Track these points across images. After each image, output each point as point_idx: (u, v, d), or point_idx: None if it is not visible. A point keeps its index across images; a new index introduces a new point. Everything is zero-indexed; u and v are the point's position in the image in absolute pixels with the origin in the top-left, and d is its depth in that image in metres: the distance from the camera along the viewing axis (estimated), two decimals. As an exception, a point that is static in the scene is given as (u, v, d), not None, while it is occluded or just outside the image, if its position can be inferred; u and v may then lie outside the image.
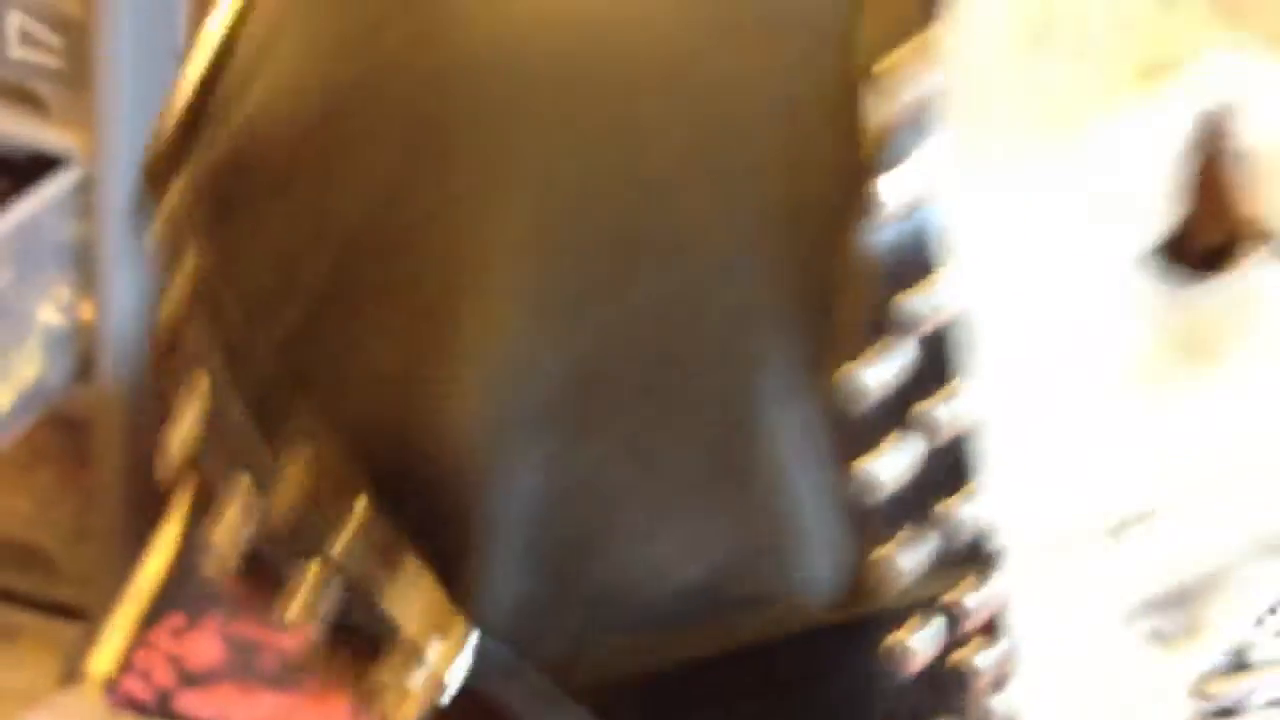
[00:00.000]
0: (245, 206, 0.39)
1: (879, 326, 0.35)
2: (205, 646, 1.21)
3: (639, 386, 0.36)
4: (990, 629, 0.38)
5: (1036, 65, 0.37)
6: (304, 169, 0.38)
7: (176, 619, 1.23)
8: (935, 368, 0.36)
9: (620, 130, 0.36)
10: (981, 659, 0.38)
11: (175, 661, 1.20)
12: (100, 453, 1.55)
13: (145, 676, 1.19)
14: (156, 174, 0.41)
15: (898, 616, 0.37)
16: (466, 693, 0.38)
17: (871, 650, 0.37)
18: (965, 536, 0.37)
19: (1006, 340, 0.38)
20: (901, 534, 0.37)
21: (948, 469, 0.37)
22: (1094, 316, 0.39)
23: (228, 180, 0.40)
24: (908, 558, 0.37)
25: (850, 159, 0.35)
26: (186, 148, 0.41)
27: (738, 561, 0.37)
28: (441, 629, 0.38)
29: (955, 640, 0.37)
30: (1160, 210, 0.39)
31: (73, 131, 1.38)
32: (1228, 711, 0.42)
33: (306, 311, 0.38)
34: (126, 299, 1.46)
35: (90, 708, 1.20)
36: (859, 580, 0.37)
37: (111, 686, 1.18)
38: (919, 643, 0.37)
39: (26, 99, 1.36)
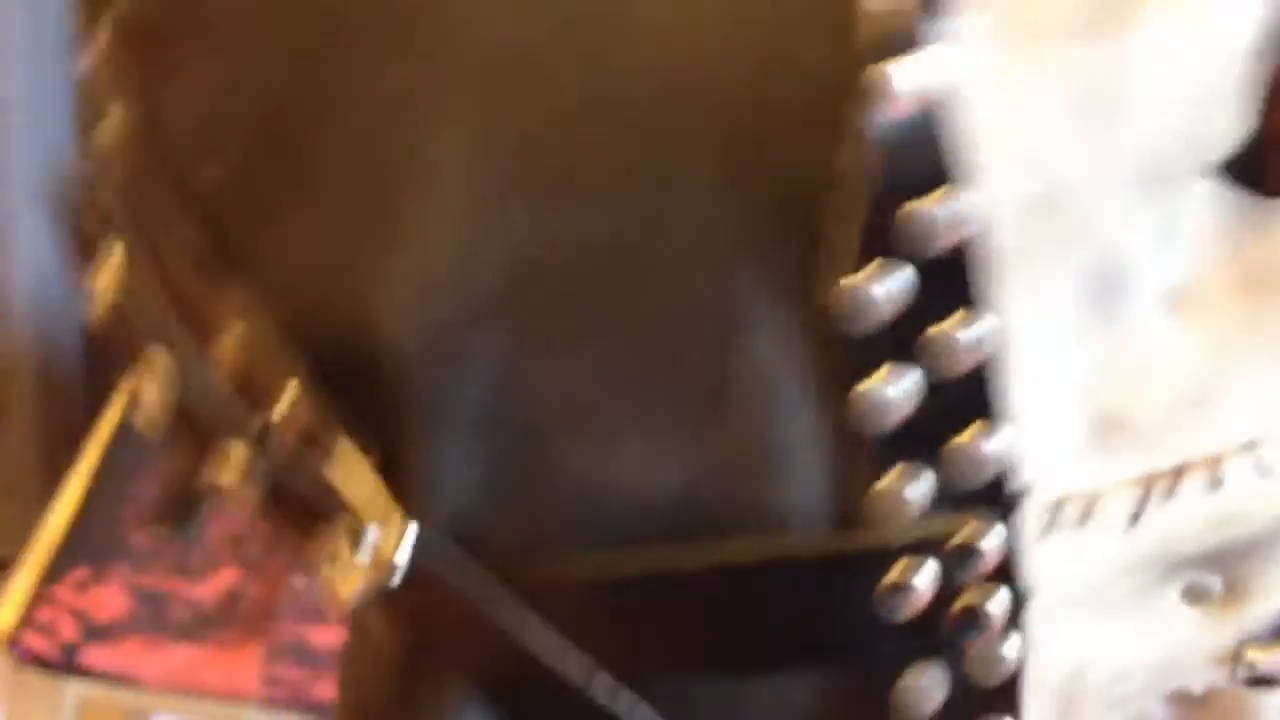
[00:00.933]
0: (172, 53, 0.36)
1: (882, 238, 0.32)
2: (111, 599, 1.19)
3: (592, 285, 0.33)
4: (1002, 573, 0.35)
5: None
6: (231, 15, 0.35)
7: (81, 572, 1.20)
8: (949, 288, 0.33)
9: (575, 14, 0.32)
10: (990, 604, 0.35)
11: (80, 615, 1.17)
12: (12, 406, 1.53)
13: (49, 631, 1.17)
14: (84, 20, 0.38)
15: (897, 554, 0.35)
16: (418, 578, 0.36)
17: (866, 587, 0.34)
18: (977, 474, 0.34)
19: (1036, 259, 0.34)
20: (904, 467, 0.34)
21: (960, 401, 0.34)
22: (1140, 237, 0.35)
23: (154, 24, 0.36)
24: (910, 493, 0.34)
25: (842, 40, 0.31)
26: None
27: (713, 481, 0.34)
28: (380, 516, 0.35)
29: (960, 584, 0.35)
30: (1226, 120, 0.35)
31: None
32: (1267, 680, 0.39)
33: (231, 172, 0.35)
34: (33, 251, 1.43)
35: (-6, 664, 1.18)
36: (853, 513, 0.34)
37: (15, 641, 1.16)
38: (919, 584, 0.34)
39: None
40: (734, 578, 0.35)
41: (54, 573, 1.21)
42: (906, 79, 0.31)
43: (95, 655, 1.15)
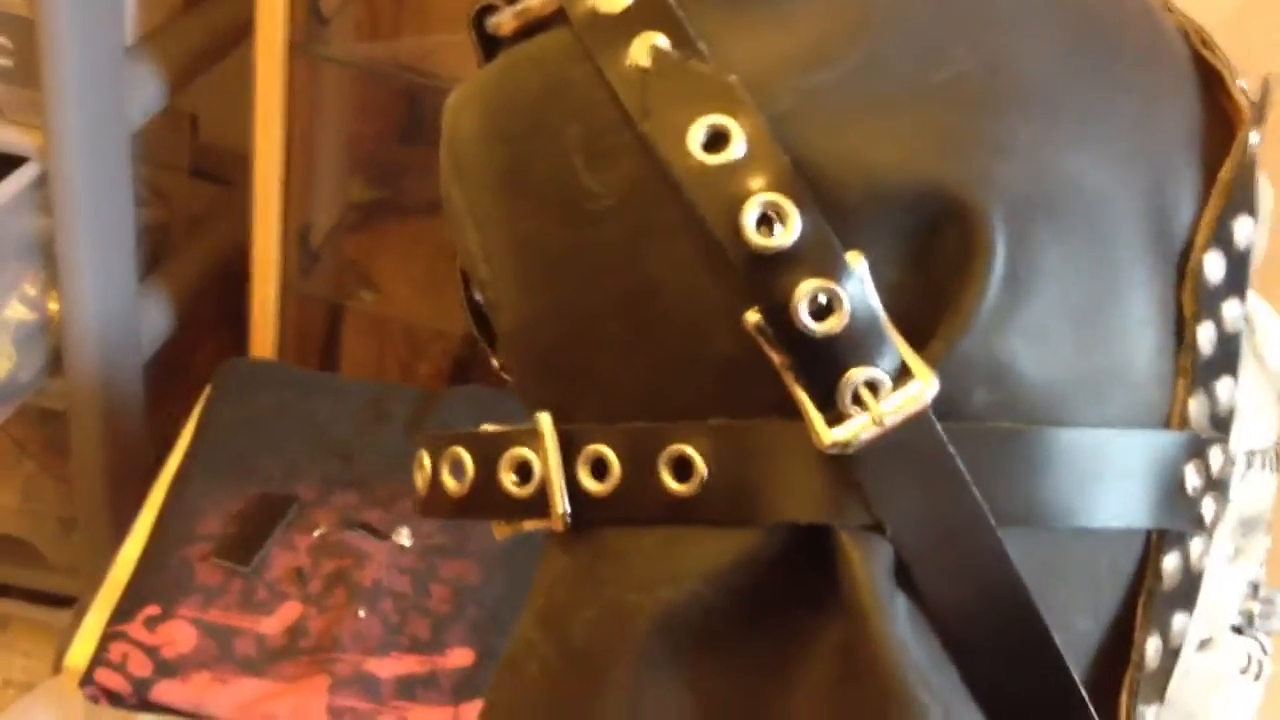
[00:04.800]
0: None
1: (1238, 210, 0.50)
2: (180, 635, 1.22)
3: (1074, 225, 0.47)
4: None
5: None
6: None
7: (151, 609, 1.24)
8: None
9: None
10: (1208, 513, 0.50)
11: (151, 652, 1.21)
12: (77, 443, 1.56)
13: (121, 668, 1.20)
14: None
15: (1195, 448, 0.49)
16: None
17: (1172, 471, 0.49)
18: (1225, 408, 0.50)
19: None
20: (1198, 391, 0.49)
21: (1229, 353, 0.50)
22: None
23: None
24: (1197, 409, 0.49)
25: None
26: None
27: (1092, 373, 0.47)
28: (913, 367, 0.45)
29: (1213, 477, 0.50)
30: None
31: (26, 129, 1.38)
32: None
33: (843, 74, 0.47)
34: (92, 290, 1.47)
35: (70, 701, 1.21)
36: (1171, 411, 0.49)
37: (88, 680, 1.19)
38: (1196, 476, 0.49)
39: (-22, 98, 1.37)
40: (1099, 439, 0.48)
41: (125, 610, 1.24)
42: None
43: (166, 690, 1.18)
